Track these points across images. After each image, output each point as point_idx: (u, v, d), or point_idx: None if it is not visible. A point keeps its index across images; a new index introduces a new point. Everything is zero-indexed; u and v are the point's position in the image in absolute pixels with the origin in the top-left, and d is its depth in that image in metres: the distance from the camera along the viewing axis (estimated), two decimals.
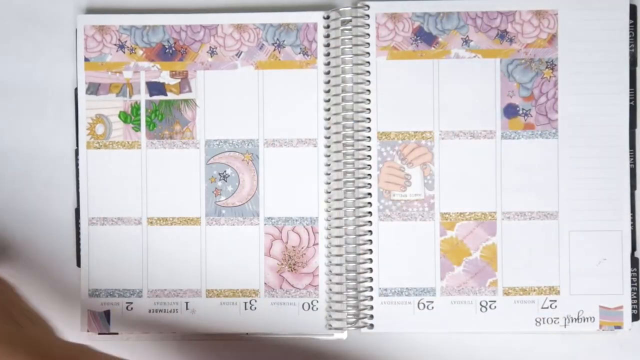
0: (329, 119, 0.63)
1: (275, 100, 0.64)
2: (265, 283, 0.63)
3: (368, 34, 0.63)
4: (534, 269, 0.63)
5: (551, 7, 0.63)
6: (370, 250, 0.63)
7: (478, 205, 0.63)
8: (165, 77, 0.64)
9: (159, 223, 0.64)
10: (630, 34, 0.62)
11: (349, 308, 0.63)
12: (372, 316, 0.63)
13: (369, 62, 0.63)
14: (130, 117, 0.64)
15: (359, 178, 0.63)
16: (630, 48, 0.62)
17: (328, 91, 0.63)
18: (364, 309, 0.63)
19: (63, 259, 0.65)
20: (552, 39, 0.63)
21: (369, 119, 0.63)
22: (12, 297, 0.56)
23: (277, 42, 0.64)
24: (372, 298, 0.63)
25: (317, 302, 0.63)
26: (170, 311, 0.63)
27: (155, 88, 0.64)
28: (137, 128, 0.64)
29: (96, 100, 0.64)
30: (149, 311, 0.63)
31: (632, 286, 0.62)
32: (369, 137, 0.63)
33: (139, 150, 0.64)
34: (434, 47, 0.63)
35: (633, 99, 0.63)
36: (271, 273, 0.64)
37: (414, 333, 0.64)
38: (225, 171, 0.64)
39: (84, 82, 0.64)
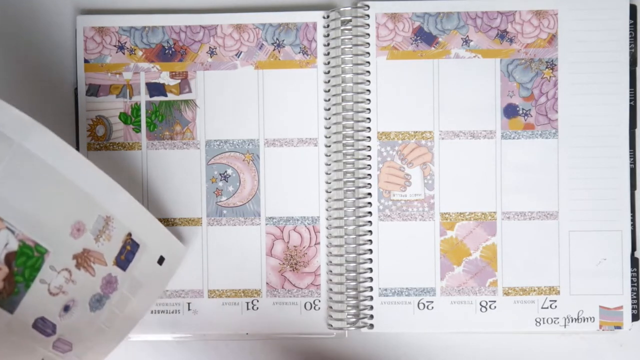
0: (329, 118, 0.63)
1: (275, 100, 0.64)
2: (267, 283, 0.64)
3: (368, 34, 0.63)
4: (534, 269, 0.63)
5: (551, 7, 0.62)
6: (370, 250, 0.63)
7: (478, 205, 0.63)
8: (165, 78, 0.64)
9: None
10: (630, 34, 0.62)
11: (349, 308, 0.63)
12: (372, 316, 0.63)
13: (369, 62, 0.63)
14: (130, 118, 0.64)
15: (359, 178, 0.63)
16: (630, 48, 0.62)
17: (328, 91, 0.63)
18: (364, 309, 0.63)
19: None
20: (552, 39, 0.63)
21: (369, 119, 0.63)
22: None
23: (277, 41, 0.64)
24: (372, 298, 0.63)
25: (319, 301, 0.64)
26: (173, 312, 0.64)
27: (155, 89, 0.64)
28: (137, 129, 0.64)
29: (96, 102, 0.64)
30: (151, 312, 0.64)
31: (632, 286, 0.62)
32: (369, 137, 0.63)
33: (140, 151, 0.64)
34: (434, 47, 0.63)
35: (633, 99, 0.63)
36: (273, 273, 0.64)
37: (414, 333, 0.64)
38: (226, 171, 0.64)
39: (84, 84, 0.64)
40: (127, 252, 0.57)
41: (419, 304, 0.63)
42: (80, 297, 0.54)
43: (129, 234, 0.56)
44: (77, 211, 0.52)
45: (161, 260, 0.59)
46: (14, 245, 0.49)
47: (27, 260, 0.50)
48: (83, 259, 0.53)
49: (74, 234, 0.52)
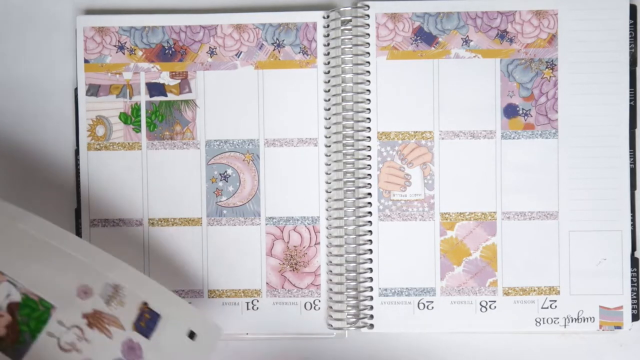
0: (329, 118, 0.63)
1: (275, 100, 0.64)
2: (267, 283, 0.64)
3: (368, 34, 0.63)
4: (534, 269, 0.63)
5: (551, 7, 0.62)
6: (370, 250, 0.63)
7: (478, 205, 0.63)
8: (165, 78, 0.64)
9: (160, 224, 0.64)
10: (630, 34, 0.62)
11: (349, 308, 0.63)
12: (372, 316, 0.63)
13: (369, 62, 0.63)
14: (130, 118, 0.64)
15: (359, 178, 0.63)
16: (630, 48, 0.62)
17: (328, 91, 0.63)
18: (364, 309, 0.63)
19: None
20: (552, 39, 0.63)
21: (369, 119, 0.63)
22: None
23: (277, 41, 0.64)
24: (372, 298, 0.63)
25: (319, 301, 0.64)
26: None
27: (155, 89, 0.64)
28: (137, 129, 0.64)
29: (96, 102, 0.64)
30: None
31: (632, 286, 0.62)
32: (369, 137, 0.63)
33: (140, 151, 0.64)
34: (434, 47, 0.63)
35: (633, 99, 0.63)
36: (273, 273, 0.64)
37: (414, 333, 0.64)
38: (226, 171, 0.64)
39: (84, 84, 0.64)
40: (147, 320, 0.55)
41: (419, 304, 0.63)
42: (100, 359, 0.53)
43: (145, 303, 0.55)
44: (80, 277, 0.52)
45: (192, 335, 0.57)
46: (16, 297, 0.49)
47: (32, 312, 0.49)
48: (95, 320, 0.52)
49: (80, 295, 0.52)
